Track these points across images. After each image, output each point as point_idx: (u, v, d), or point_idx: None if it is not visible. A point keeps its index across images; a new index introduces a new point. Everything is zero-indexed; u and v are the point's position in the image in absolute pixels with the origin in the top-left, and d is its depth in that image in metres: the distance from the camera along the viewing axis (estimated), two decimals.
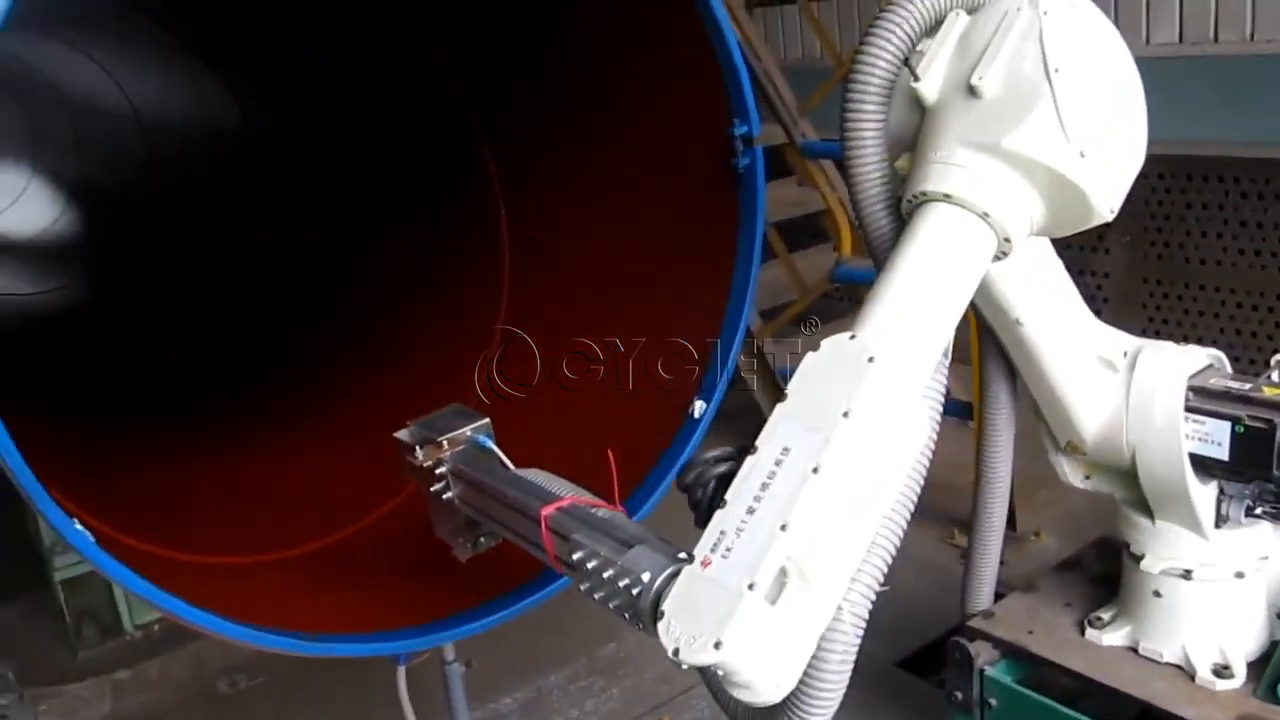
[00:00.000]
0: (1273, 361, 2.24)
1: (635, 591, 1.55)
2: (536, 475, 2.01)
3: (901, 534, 1.60)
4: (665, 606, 1.46)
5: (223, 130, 5.20)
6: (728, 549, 1.45)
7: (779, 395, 4.61)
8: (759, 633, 1.39)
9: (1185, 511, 2.21)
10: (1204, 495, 2.18)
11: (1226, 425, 2.06)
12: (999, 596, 2.82)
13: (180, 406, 4.06)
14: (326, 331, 4.13)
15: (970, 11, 1.79)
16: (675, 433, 2.74)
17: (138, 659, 4.15)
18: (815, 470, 1.45)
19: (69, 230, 8.46)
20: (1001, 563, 4.18)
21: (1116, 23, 6.06)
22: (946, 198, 1.71)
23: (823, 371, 1.57)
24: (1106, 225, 5.48)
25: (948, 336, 1.71)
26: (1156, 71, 5.96)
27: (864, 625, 1.55)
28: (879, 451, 1.50)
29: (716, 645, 1.37)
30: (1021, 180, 1.70)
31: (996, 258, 1.78)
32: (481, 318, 3.44)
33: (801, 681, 1.50)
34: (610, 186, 3.12)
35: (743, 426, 5.35)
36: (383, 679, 2.79)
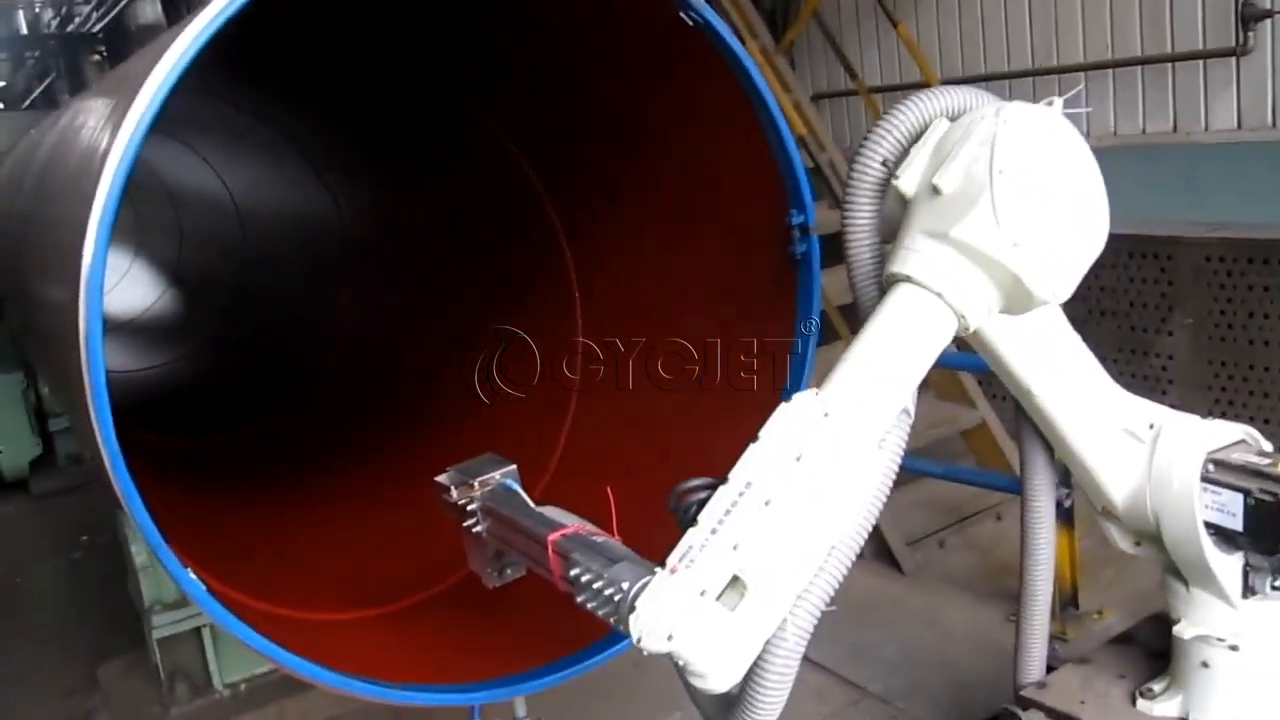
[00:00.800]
0: None
1: (617, 598, 1.82)
2: (551, 511, 2.25)
3: (850, 562, 1.89)
4: (638, 603, 1.74)
5: (316, 223, 5.54)
6: (691, 560, 1.74)
7: None
8: (705, 630, 1.68)
9: (1210, 579, 2.30)
10: (1226, 565, 2.27)
11: (1240, 497, 2.16)
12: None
13: (277, 472, 4.32)
14: (414, 402, 4.37)
15: (952, 119, 2.06)
16: None
17: (224, 716, 4.32)
18: (767, 503, 1.74)
19: (167, 311, 8.95)
20: (1064, 640, 4.26)
21: (1176, 109, 6.17)
22: (908, 279, 1.99)
23: (788, 421, 1.84)
24: (1170, 307, 5.59)
25: (902, 398, 1.97)
26: (1218, 157, 6.08)
27: (808, 637, 1.87)
28: (824, 492, 1.77)
29: (669, 637, 1.67)
30: (970, 266, 1.96)
31: (961, 331, 2.04)
32: (555, 399, 3.66)
33: (750, 680, 1.83)
34: (678, 268, 3.32)
35: None
36: None
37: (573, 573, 1.98)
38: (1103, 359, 2.43)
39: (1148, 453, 2.35)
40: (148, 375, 7.22)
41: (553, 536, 2.09)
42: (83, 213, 2.10)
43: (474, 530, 2.46)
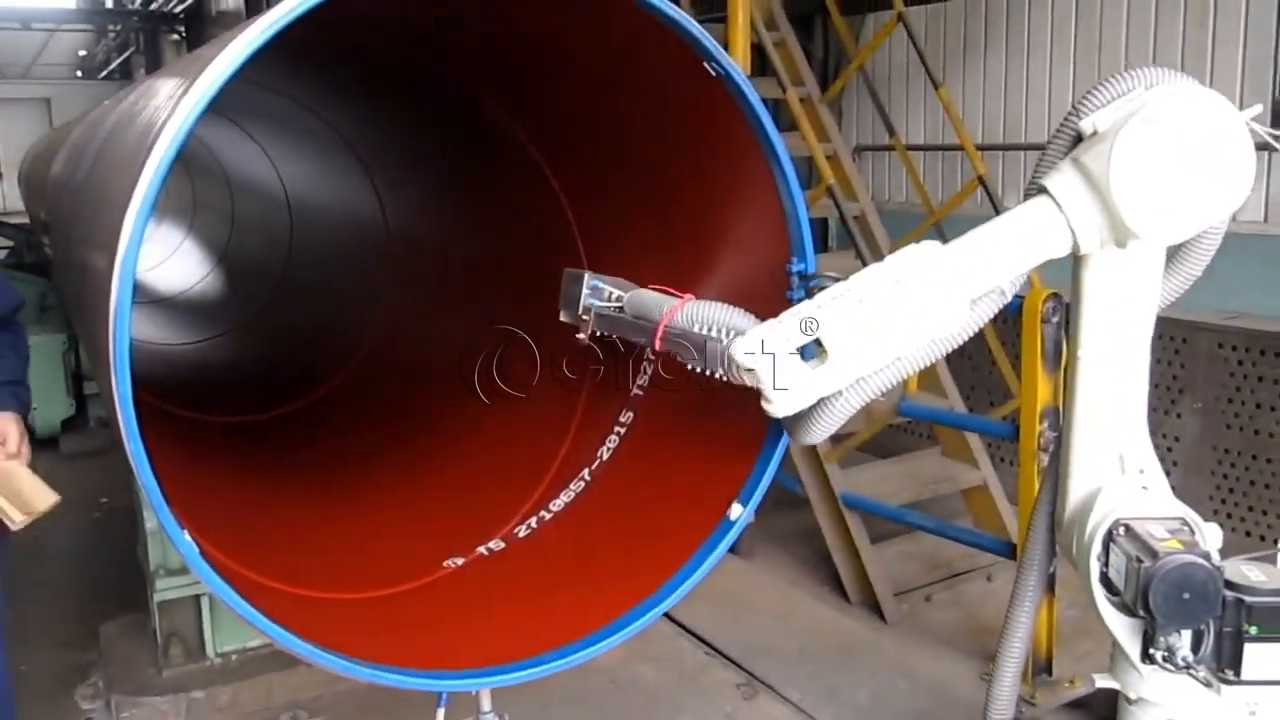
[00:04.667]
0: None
1: (725, 335, 2.43)
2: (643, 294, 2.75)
3: (906, 374, 2.43)
4: (742, 336, 2.37)
5: (362, 219, 5.75)
6: (790, 321, 2.33)
7: (839, 515, 5.03)
8: (774, 368, 2.30)
9: (1112, 635, 2.41)
10: (1123, 626, 2.38)
11: (1125, 561, 2.27)
12: None
13: (298, 455, 4.51)
14: (431, 403, 4.53)
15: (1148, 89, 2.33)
16: (711, 531, 3.01)
17: (213, 683, 4.49)
18: (860, 301, 2.29)
19: (212, 291, 9.22)
20: (1031, 704, 4.33)
21: None
22: (1044, 190, 2.36)
23: (909, 254, 2.31)
24: (1181, 390, 5.68)
25: (1001, 279, 2.40)
26: (1243, 248, 6.19)
27: (854, 410, 2.45)
28: (904, 313, 2.29)
29: (750, 369, 2.32)
30: (1088, 190, 2.29)
31: (1073, 250, 2.37)
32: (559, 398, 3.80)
33: (808, 418, 2.47)
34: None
35: (797, 551, 5.59)
36: None
37: (690, 319, 2.52)
38: None
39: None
40: (185, 350, 7.45)
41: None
42: (129, 187, 2.26)
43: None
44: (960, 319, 2.34)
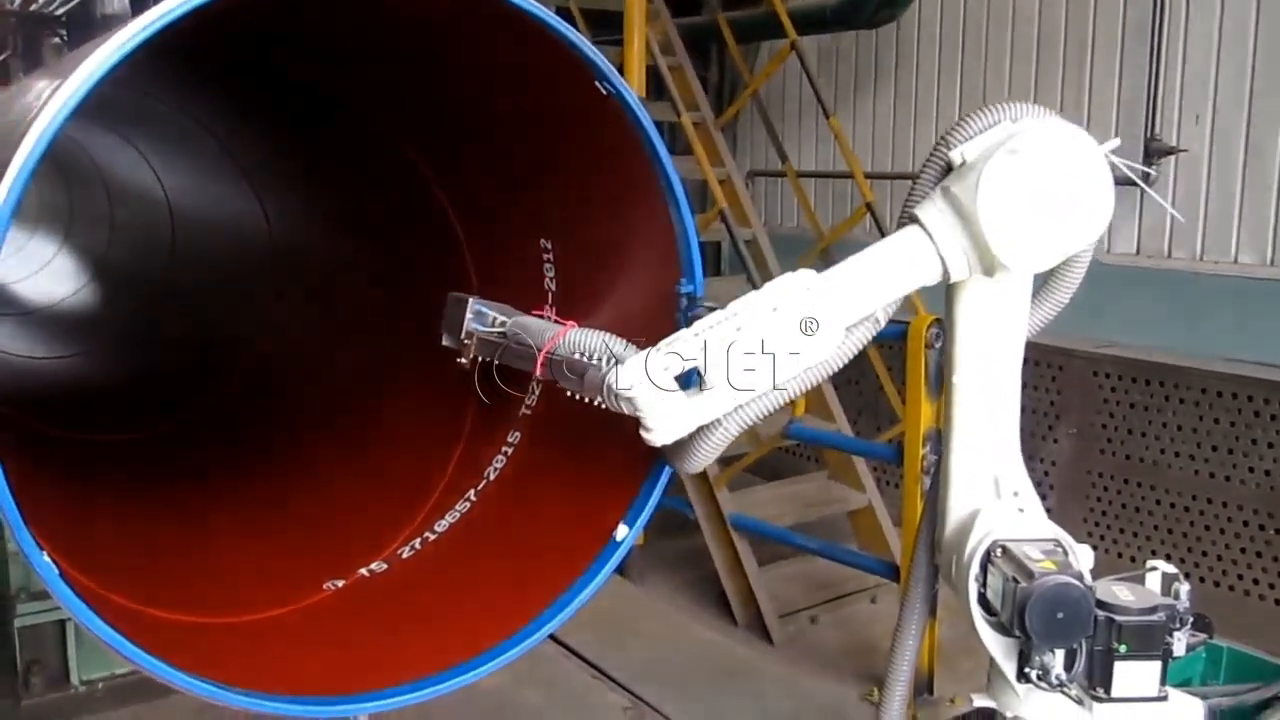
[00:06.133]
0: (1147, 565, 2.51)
1: (606, 360, 2.41)
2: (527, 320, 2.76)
3: (785, 399, 2.40)
4: (623, 363, 2.37)
5: (244, 230, 5.60)
6: (667, 350, 2.34)
7: (727, 537, 5.03)
8: (653, 396, 2.32)
9: (990, 654, 2.45)
10: (1001, 645, 2.42)
11: (1001, 581, 2.31)
12: None
13: (180, 473, 4.34)
14: (305, 410, 4.42)
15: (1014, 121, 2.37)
16: (597, 552, 2.98)
17: (77, 712, 4.30)
18: (739, 329, 2.30)
19: (87, 302, 8.86)
20: None
21: None
22: (915, 220, 2.37)
23: (786, 281, 2.35)
24: (1057, 416, 5.83)
25: (873, 308, 2.42)
26: (1117, 279, 6.42)
27: (733, 437, 2.45)
28: (779, 344, 2.31)
29: (630, 391, 2.32)
30: (956, 219, 2.31)
31: (943, 279, 2.39)
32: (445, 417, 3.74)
33: (691, 446, 2.47)
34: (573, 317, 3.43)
35: (685, 574, 5.62)
36: None
37: (572, 346, 2.50)
38: None
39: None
40: (56, 365, 7.14)
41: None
42: None
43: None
44: (833, 346, 2.36)
